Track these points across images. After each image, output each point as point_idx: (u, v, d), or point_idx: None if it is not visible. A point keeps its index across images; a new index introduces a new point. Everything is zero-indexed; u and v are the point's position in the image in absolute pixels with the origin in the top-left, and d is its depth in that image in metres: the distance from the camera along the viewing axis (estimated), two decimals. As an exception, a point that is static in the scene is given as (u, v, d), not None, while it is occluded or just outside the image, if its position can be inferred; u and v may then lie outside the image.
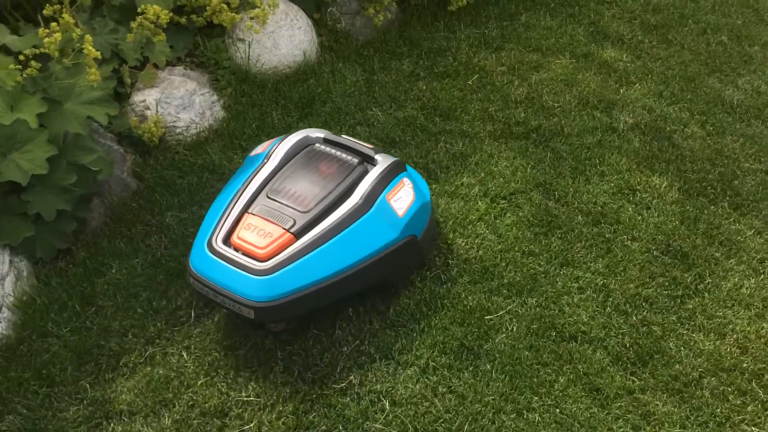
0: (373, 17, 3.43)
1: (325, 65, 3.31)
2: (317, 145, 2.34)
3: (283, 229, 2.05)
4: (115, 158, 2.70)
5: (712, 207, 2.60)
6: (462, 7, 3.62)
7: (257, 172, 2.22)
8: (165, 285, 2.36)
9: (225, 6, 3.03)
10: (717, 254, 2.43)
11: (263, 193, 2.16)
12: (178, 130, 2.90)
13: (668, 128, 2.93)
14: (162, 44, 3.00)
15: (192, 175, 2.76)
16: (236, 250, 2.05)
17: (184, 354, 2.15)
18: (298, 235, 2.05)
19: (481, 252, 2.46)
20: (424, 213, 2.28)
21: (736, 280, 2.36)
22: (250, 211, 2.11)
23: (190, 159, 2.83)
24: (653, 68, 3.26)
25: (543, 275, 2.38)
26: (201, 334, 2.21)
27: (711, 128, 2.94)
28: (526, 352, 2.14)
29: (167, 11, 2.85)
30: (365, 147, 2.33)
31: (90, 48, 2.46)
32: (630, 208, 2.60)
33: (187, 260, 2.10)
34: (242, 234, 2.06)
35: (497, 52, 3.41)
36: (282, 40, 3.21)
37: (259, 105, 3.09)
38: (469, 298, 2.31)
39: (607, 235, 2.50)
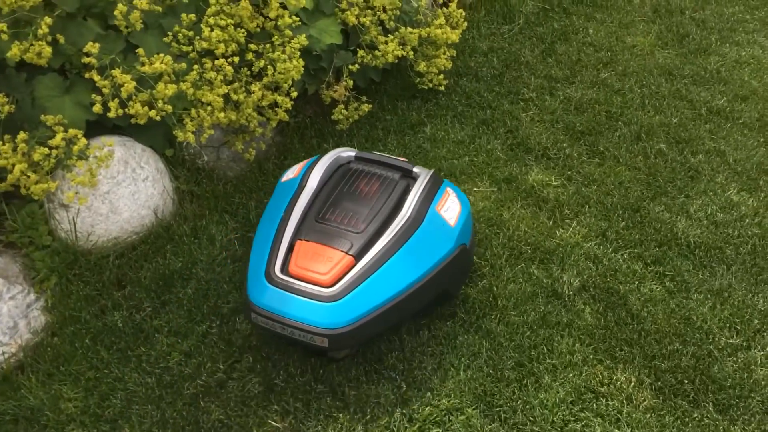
0: (243, 152, 2.70)
1: (185, 222, 2.55)
2: (351, 164, 2.31)
3: (342, 252, 2.00)
4: None
5: (695, 413, 2.05)
6: (355, 122, 2.95)
7: (297, 198, 2.16)
8: None
9: (32, 175, 2.22)
10: (716, 496, 1.89)
11: (310, 218, 2.11)
12: (-23, 363, 2.08)
13: (622, 289, 2.38)
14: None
15: (-1, 436, 1.96)
16: (297, 278, 1.97)
17: None
18: (357, 256, 2.01)
19: None
20: (470, 221, 2.28)
21: None
22: (302, 237, 2.05)
23: (-5, 407, 2.02)
24: (589, 195, 2.71)
25: None
26: None
27: (671, 284, 2.41)
28: None
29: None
30: (401, 161, 2.31)
31: None
32: (597, 426, 2.02)
33: (245, 296, 2.01)
34: (300, 262, 1.99)
35: (401, 181, 2.77)
36: (122, 201, 2.42)
37: (95, 299, 2.30)
38: None
39: (574, 478, 1.91)
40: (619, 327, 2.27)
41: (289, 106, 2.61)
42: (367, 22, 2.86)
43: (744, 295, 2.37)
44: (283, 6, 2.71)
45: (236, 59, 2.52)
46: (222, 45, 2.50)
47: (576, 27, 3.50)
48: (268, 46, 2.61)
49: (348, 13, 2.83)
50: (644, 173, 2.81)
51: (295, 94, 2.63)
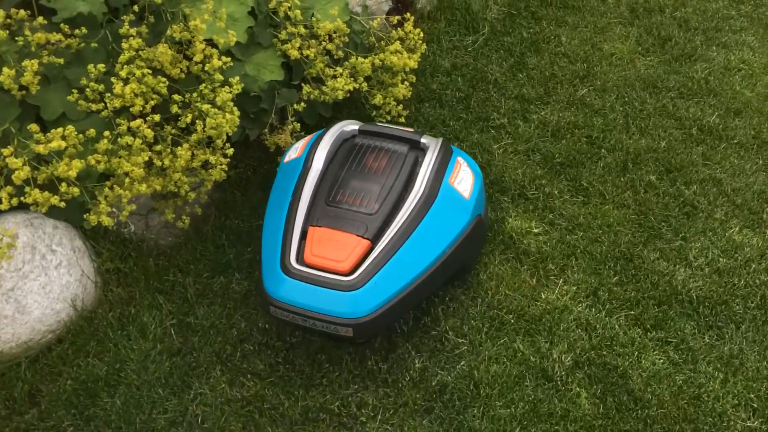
0: (176, 221, 2.32)
1: (110, 310, 2.18)
2: (356, 138, 2.23)
3: (358, 236, 1.95)
4: None
5: None
6: (303, 167, 2.58)
7: (304, 180, 2.08)
8: None
9: None
10: None
11: (320, 201, 2.05)
12: None
13: (621, 363, 2.07)
14: None
15: None
16: (313, 267, 1.92)
17: None
18: (374, 239, 1.96)
19: None
20: (483, 189, 2.23)
21: None
22: (315, 224, 1.99)
23: None
24: (575, 244, 2.39)
25: None
26: None
27: (675, 353, 2.11)
28: None
29: None
30: (407, 131, 2.24)
31: None
32: None
33: (262, 289, 1.96)
34: (316, 250, 1.94)
35: (362, 237, 2.42)
36: (31, 296, 2.04)
37: (4, 424, 1.93)
38: None
39: None
40: (621, 415, 1.97)
41: (225, 166, 2.23)
42: (312, 54, 2.47)
43: (757, 362, 2.09)
44: (211, 43, 2.32)
45: (157, 117, 2.12)
46: (139, 99, 2.11)
47: (547, 34, 3.14)
48: (195, 95, 2.22)
49: (289, 45, 2.44)
50: (634, 211, 2.49)
51: (230, 151, 2.24)
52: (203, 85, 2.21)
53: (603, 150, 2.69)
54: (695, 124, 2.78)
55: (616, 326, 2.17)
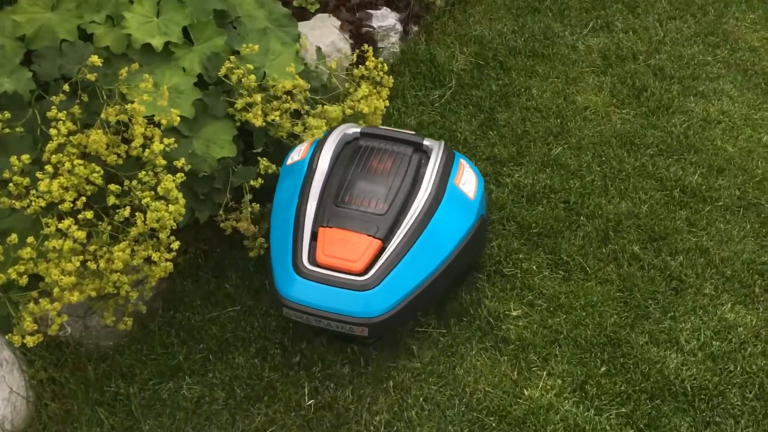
0: (117, 324, 2.07)
1: (44, 429, 1.94)
2: (359, 141, 2.24)
3: (370, 236, 1.97)
4: None
5: None
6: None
7: (310, 182, 2.08)
8: None
9: None
10: None
11: (328, 202, 2.06)
12: None
13: (614, 473, 1.89)
14: None
15: None
16: (326, 268, 1.94)
17: None
18: (385, 239, 1.98)
19: None
20: (484, 191, 2.25)
21: None
22: (325, 224, 2.00)
23: None
24: (557, 329, 2.20)
25: None
26: None
27: (672, 457, 1.94)
28: None
29: None
30: (409, 134, 2.27)
31: None
32: None
33: (274, 290, 1.98)
34: (328, 250, 1.96)
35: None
36: (-52, 426, 1.80)
37: None
38: None
39: None
40: None
41: (170, 264, 2.00)
42: (277, 117, 2.26)
43: (761, 464, 1.93)
44: (153, 121, 2.09)
45: (89, 215, 1.89)
46: (70, 194, 1.88)
47: (517, 87, 2.96)
48: (135, 182, 1.99)
49: (251, 114, 2.22)
50: (618, 288, 2.31)
51: (176, 245, 2.02)
52: (143, 172, 1.99)
53: (582, 217, 2.51)
54: (677, 185, 2.62)
55: (607, 427, 1.98)
